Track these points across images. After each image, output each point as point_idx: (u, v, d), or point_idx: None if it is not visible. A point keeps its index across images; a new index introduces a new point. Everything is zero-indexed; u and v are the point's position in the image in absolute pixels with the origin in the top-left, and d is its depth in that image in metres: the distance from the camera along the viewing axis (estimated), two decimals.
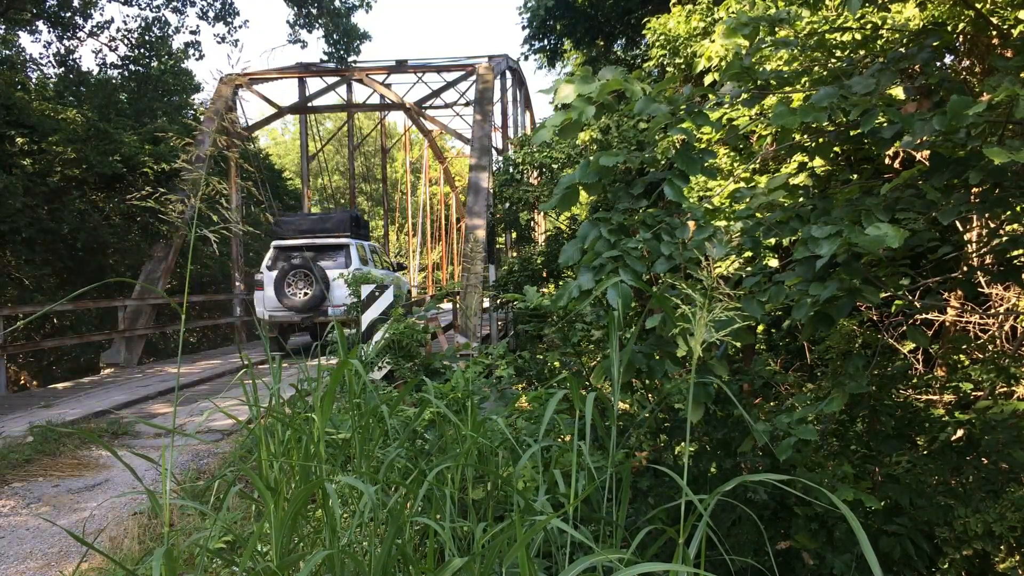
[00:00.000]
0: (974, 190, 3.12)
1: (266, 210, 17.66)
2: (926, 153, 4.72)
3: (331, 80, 19.83)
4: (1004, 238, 3.72)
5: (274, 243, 12.87)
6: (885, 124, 3.02)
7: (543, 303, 5.45)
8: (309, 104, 20.16)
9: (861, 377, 3.54)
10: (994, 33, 5.20)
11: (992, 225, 4.78)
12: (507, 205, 14.58)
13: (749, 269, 4.00)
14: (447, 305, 16.21)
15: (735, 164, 7.70)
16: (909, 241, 2.83)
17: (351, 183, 24.89)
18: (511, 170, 14.71)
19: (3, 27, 16.49)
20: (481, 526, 2.12)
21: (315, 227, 13.12)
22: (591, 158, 3.25)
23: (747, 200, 3.79)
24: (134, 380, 10.98)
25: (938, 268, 4.73)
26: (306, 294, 11.90)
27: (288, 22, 17.09)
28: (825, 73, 4.12)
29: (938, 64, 3.62)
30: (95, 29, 17.23)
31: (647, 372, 3.20)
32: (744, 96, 3.52)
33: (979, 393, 4.95)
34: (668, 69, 9.93)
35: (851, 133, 3.49)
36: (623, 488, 2.06)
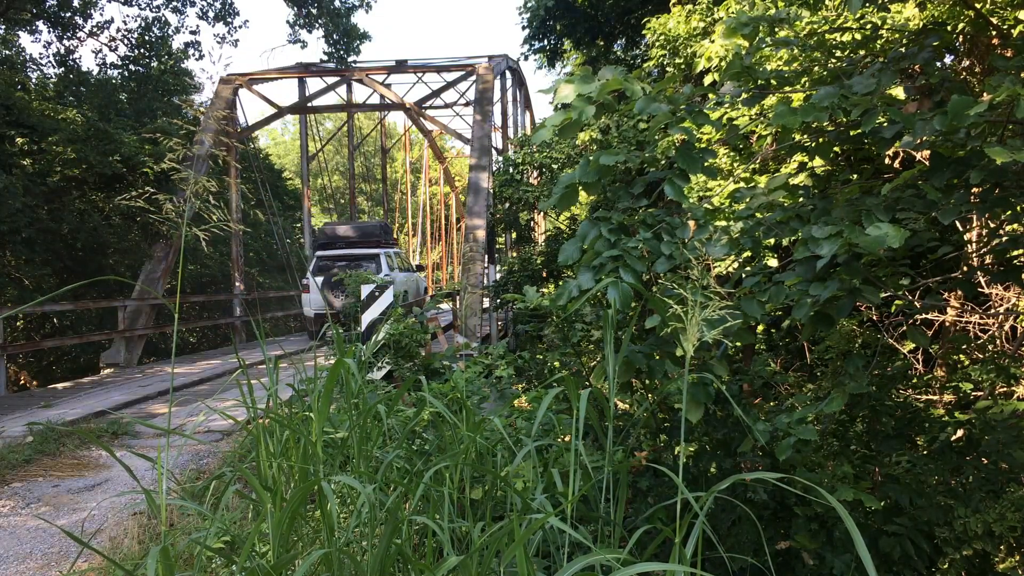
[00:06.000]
0: (974, 190, 3.12)
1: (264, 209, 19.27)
2: (926, 153, 4.72)
3: (331, 80, 19.82)
4: (1004, 238, 3.71)
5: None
6: (886, 124, 3.01)
7: (543, 303, 5.45)
8: (309, 104, 20.15)
9: (861, 377, 3.53)
10: (994, 33, 5.19)
11: (992, 225, 4.78)
12: (507, 205, 14.56)
13: (748, 269, 3.99)
14: (447, 305, 16.24)
15: (735, 164, 7.68)
16: (909, 241, 2.82)
17: (351, 183, 24.89)
18: (511, 170, 14.68)
19: (3, 27, 16.48)
20: (479, 525, 2.11)
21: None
22: (591, 157, 3.23)
23: (747, 200, 3.77)
24: (134, 380, 10.98)
25: (938, 268, 4.72)
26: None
27: (288, 22, 17.09)
28: (825, 73, 4.11)
29: (938, 64, 3.61)
30: (95, 29, 17.22)
31: (647, 372, 3.19)
32: (744, 96, 3.51)
33: (979, 393, 4.94)
34: (668, 69, 9.92)
35: (851, 133, 3.48)
36: (620, 487, 2.06)
